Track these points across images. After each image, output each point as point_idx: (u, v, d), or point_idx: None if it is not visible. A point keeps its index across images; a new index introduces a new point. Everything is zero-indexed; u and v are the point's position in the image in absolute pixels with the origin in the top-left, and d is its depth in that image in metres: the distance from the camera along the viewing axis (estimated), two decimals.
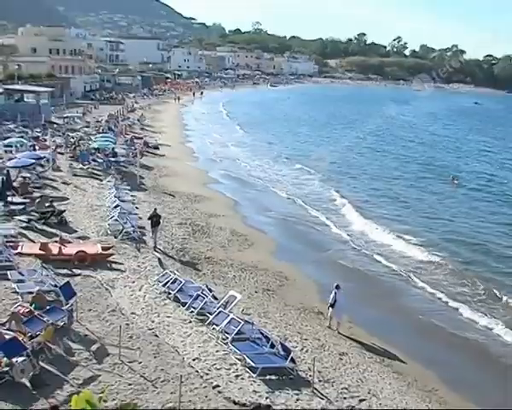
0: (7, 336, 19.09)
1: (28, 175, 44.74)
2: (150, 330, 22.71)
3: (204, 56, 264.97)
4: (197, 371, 19.89)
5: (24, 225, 33.95)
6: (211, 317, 23.91)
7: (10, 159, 46.68)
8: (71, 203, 40.24)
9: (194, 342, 22.03)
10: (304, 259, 36.41)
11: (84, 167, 51.43)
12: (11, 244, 29.58)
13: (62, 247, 29.85)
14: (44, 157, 50.00)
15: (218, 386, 19.22)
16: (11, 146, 53.50)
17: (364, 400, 20.25)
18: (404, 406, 20.62)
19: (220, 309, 24.22)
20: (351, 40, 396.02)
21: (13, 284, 24.78)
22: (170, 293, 26.49)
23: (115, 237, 33.78)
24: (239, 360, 20.93)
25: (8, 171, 41.25)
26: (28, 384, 17.63)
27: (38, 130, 68.79)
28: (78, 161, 52.97)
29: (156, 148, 69.84)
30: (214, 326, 23.32)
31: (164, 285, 27.16)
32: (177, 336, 22.45)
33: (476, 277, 34.57)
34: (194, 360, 20.72)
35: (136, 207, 40.86)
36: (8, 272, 25.79)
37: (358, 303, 29.79)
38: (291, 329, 25.45)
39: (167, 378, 19.14)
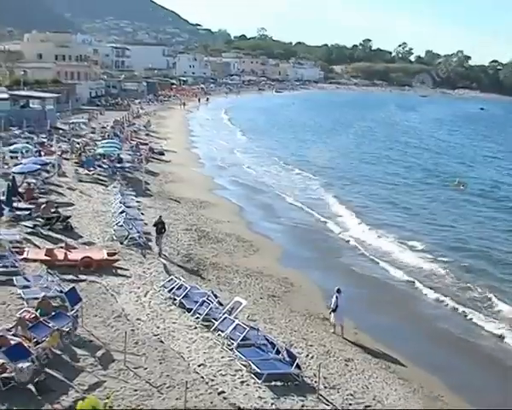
0: (12, 342, 19.08)
1: (34, 181, 44.77)
2: (156, 336, 22.69)
3: (209, 62, 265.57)
4: (202, 378, 19.85)
5: (29, 230, 33.98)
6: (216, 323, 23.86)
7: (16, 164, 46.79)
8: (76, 209, 40.27)
9: (200, 348, 22.00)
10: (309, 265, 36.34)
11: (90, 173, 51.50)
12: (17, 250, 29.59)
13: (68, 252, 29.85)
14: (50, 163, 50.13)
15: (224, 392, 19.17)
16: (17, 152, 53.61)
17: (370, 406, 20.18)
18: None
19: (226, 315, 24.17)
20: (356, 46, 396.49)
21: (18, 289, 24.79)
22: (175, 299, 26.46)
23: (121, 243, 33.78)
24: (244, 366, 20.87)
25: (13, 176, 41.31)
26: (33, 390, 17.61)
27: (44, 136, 68.97)
28: (83, 167, 53.04)
29: (162, 154, 69.95)
30: (220, 332, 23.27)
31: (169, 291, 27.15)
32: (183, 342, 22.42)
33: (482, 283, 34.40)
34: (199, 366, 20.68)
35: (142, 213, 40.85)
36: (14, 278, 25.82)
37: (364, 309, 29.78)
38: (296, 335, 25.39)
39: (173, 384, 19.10)
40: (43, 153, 56.11)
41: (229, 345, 22.24)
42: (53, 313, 21.85)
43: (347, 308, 26.79)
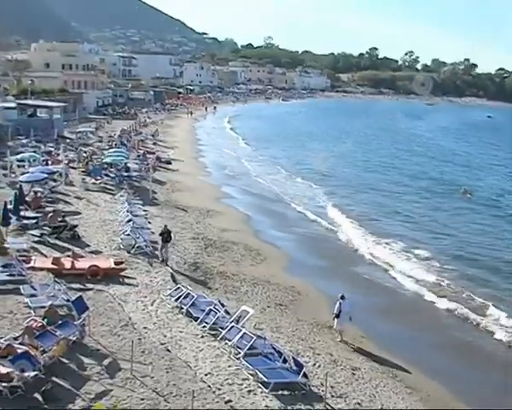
0: (19, 350, 19.09)
1: (41, 190, 44.86)
2: (162, 344, 22.67)
3: (216, 71, 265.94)
4: (209, 386, 19.82)
5: (36, 239, 34.03)
6: (223, 332, 23.84)
7: (23, 173, 46.90)
8: (83, 218, 40.32)
9: (207, 357, 21.98)
10: (316, 274, 36.29)
11: (97, 182, 51.59)
12: (24, 258, 29.61)
13: (75, 261, 29.88)
14: (57, 172, 50.26)
15: (231, 401, 19.15)
16: (24, 161, 53.67)
17: None
18: None
19: (232, 324, 24.16)
20: (362, 54, 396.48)
21: (25, 298, 24.81)
22: (182, 308, 26.45)
23: (128, 252, 33.79)
24: (251, 375, 20.84)
25: (20, 185, 41.34)
26: (40, 398, 17.61)
27: (51, 145, 69.03)
28: (90, 176, 53.11)
29: (169, 163, 69.97)
30: (226, 341, 23.26)
31: (176, 300, 27.13)
32: (190, 351, 22.40)
33: (489, 292, 34.44)
34: (206, 374, 20.65)
35: (149, 222, 40.84)
36: (21, 287, 25.86)
37: (371, 317, 29.76)
38: (303, 344, 25.37)
39: (179, 393, 19.07)
40: (50, 162, 56.17)
41: (236, 354, 22.23)
42: (60, 322, 21.87)
43: (354, 316, 26.83)
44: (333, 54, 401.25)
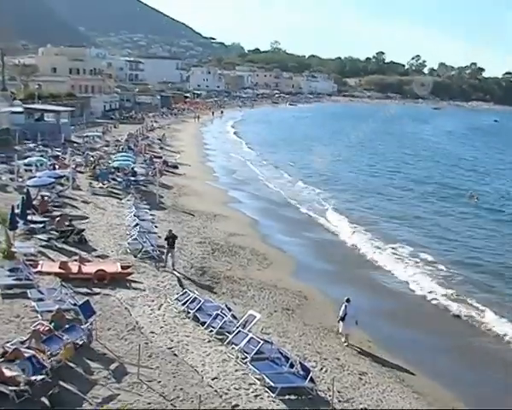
0: (26, 354, 19.11)
1: (48, 194, 44.95)
2: (169, 349, 22.66)
3: (223, 76, 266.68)
4: (216, 391, 19.80)
5: (43, 243, 34.06)
6: (230, 336, 23.83)
7: (30, 178, 46.99)
8: (90, 222, 40.37)
9: (214, 362, 21.96)
10: (323, 278, 36.25)
11: (104, 186, 51.70)
12: (31, 263, 29.64)
13: (82, 265, 29.90)
14: (64, 176, 50.33)
15: (238, 406, 19.13)
16: (31, 165, 53.75)
17: None
18: None
19: (239, 328, 24.15)
20: (369, 59, 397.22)
21: (32, 302, 24.83)
22: (189, 312, 26.45)
23: (135, 256, 33.79)
24: (258, 379, 20.81)
25: (28, 190, 41.42)
26: (47, 403, 17.61)
27: (58, 149, 69.14)
28: (97, 180, 53.29)
29: (175, 167, 70.04)
30: (233, 346, 23.23)
31: (183, 304, 27.14)
32: (197, 356, 22.38)
33: (494, 297, 34.43)
34: (213, 379, 20.63)
35: (156, 226, 40.85)
36: (28, 291, 25.88)
37: (378, 321, 29.73)
38: (310, 348, 25.33)
39: (186, 398, 19.07)
40: (57, 166, 56.27)
41: (242, 358, 22.19)
42: (67, 326, 21.91)
43: (360, 320, 26.79)
44: (340, 58, 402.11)
